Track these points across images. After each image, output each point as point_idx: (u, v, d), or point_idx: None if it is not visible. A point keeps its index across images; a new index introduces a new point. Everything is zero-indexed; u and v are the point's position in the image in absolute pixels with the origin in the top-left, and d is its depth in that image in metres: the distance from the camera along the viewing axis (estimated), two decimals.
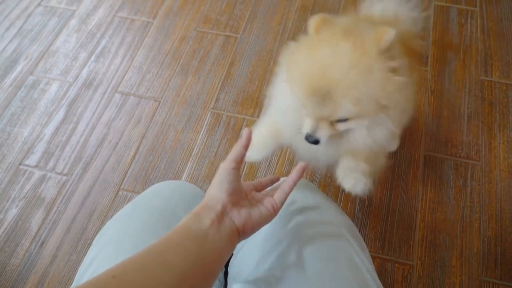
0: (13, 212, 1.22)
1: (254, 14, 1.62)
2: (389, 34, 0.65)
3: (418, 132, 1.29)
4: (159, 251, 0.49)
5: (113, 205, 1.21)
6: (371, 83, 0.66)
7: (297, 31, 1.56)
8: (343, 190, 1.17)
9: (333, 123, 0.73)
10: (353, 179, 0.83)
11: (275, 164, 1.25)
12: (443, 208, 1.15)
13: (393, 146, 1.14)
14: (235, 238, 0.57)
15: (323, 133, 0.74)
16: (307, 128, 0.75)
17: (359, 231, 0.87)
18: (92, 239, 1.14)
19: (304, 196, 0.81)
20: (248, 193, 0.65)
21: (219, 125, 1.34)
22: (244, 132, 0.63)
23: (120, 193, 1.23)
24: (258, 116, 1.35)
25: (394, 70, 0.68)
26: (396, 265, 1.08)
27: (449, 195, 1.17)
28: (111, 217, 1.17)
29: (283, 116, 0.87)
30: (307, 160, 0.87)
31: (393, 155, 1.24)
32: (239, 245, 0.81)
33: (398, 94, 0.70)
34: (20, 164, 1.30)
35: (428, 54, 1.46)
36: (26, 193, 1.25)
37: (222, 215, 0.56)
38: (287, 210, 0.77)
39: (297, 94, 0.74)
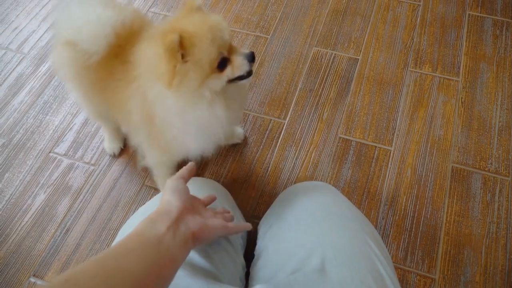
0: (41, 198, 1.25)
1: (286, 16, 1.62)
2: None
3: (446, 143, 1.27)
4: (114, 256, 0.49)
5: (137, 197, 1.23)
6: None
7: (328, 34, 1.55)
8: (367, 197, 1.17)
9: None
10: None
11: (299, 168, 1.25)
12: (469, 222, 1.13)
13: None
14: (190, 243, 0.58)
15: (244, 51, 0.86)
16: (238, 58, 0.85)
17: (381, 240, 0.87)
18: (116, 229, 1.17)
19: (328, 201, 0.81)
20: (200, 206, 0.68)
21: (245, 125, 1.35)
22: (190, 164, 0.72)
23: (145, 186, 1.25)
24: (284, 118, 1.35)
25: None
26: (418, 277, 1.06)
27: (476, 210, 1.15)
28: (135, 209, 1.20)
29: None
30: (211, 138, 0.97)
31: (419, 164, 1.23)
32: (262, 247, 0.82)
33: None
34: (50, 152, 1.34)
35: (460, 64, 1.44)
36: (55, 180, 1.28)
37: (178, 221, 0.57)
38: (310, 215, 0.77)
39: (207, 47, 0.79)
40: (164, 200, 0.61)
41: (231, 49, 0.84)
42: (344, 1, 1.65)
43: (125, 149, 1.32)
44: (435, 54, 1.47)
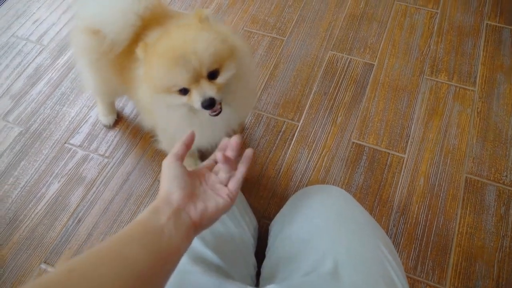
0: (55, 187, 1.27)
1: (302, 18, 1.63)
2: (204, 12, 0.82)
3: (460, 153, 1.26)
4: (117, 246, 0.49)
5: (149, 192, 1.24)
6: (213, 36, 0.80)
7: (344, 38, 1.56)
8: (378, 204, 1.17)
9: (212, 82, 0.80)
10: None
11: (311, 171, 1.26)
12: (482, 235, 1.12)
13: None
14: (192, 232, 0.57)
15: (211, 90, 0.79)
16: (195, 96, 0.80)
17: (393, 246, 0.87)
18: (127, 222, 1.19)
19: (340, 205, 0.82)
20: (202, 178, 0.64)
21: (259, 125, 1.36)
22: (189, 133, 0.66)
23: (157, 181, 1.26)
24: (298, 121, 1.36)
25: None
26: None
27: (489, 222, 1.14)
28: (148, 202, 1.21)
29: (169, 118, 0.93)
30: (207, 137, 0.97)
31: (432, 173, 1.23)
32: (273, 247, 0.83)
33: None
34: (65, 142, 1.36)
35: (477, 74, 1.43)
36: (69, 170, 1.30)
37: (178, 210, 0.56)
38: (323, 219, 0.78)
39: (164, 74, 0.79)
40: (163, 187, 0.59)
41: (198, 77, 0.79)
42: (361, 6, 1.65)
43: (139, 144, 1.34)
44: (451, 63, 1.47)
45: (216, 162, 0.68)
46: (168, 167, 0.60)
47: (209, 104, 0.79)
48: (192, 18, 0.82)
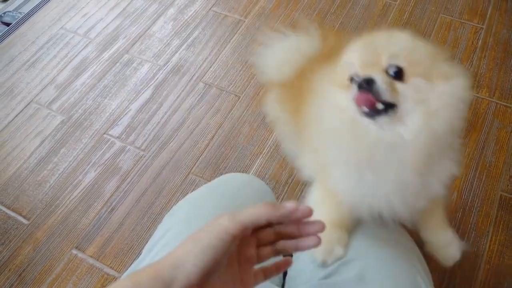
0: (91, 175, 1.31)
1: (344, 26, 1.63)
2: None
3: (497, 170, 1.23)
4: None
5: (181, 186, 1.27)
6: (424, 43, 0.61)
7: None
8: None
9: (391, 81, 0.58)
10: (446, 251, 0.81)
11: None
12: None
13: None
14: None
15: (378, 76, 0.57)
16: (343, 95, 0.60)
17: (423, 258, 0.85)
18: (159, 214, 1.21)
19: None
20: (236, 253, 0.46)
21: None
22: (291, 205, 0.44)
23: (189, 176, 1.29)
24: None
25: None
26: None
27: None
28: (178, 198, 1.24)
29: (335, 137, 0.64)
30: (375, 213, 0.67)
31: (466, 189, 1.20)
32: (296, 255, 0.81)
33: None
34: (104, 133, 1.40)
35: None
36: (106, 160, 1.34)
37: None
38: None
39: (355, 51, 0.62)
40: (177, 253, 0.42)
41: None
42: (405, 16, 1.63)
43: (171, 143, 1.37)
44: (493, 79, 1.44)
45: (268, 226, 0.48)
46: (221, 232, 0.41)
47: (366, 82, 0.56)
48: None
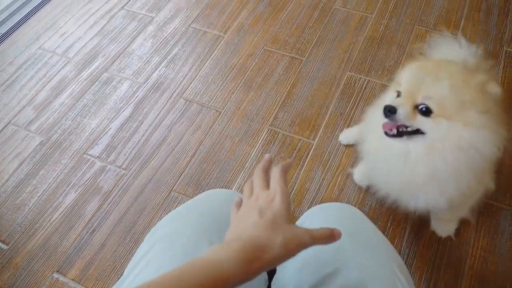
0: (71, 196, 1.29)
1: (322, 40, 1.65)
2: (495, 89, 0.77)
3: None
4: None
5: (163, 204, 1.25)
6: (467, 87, 0.76)
7: (363, 60, 1.57)
8: (391, 224, 1.16)
9: (415, 112, 0.78)
10: (443, 227, 1.12)
11: (324, 189, 1.25)
12: (495, 259, 1.10)
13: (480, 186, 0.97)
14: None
15: (403, 107, 0.78)
16: (389, 100, 0.80)
17: (406, 267, 0.86)
18: (141, 233, 1.20)
19: (354, 224, 0.81)
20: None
21: (274, 142, 1.37)
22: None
23: (172, 194, 1.27)
24: (313, 139, 1.36)
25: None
26: None
27: (503, 247, 1.12)
28: (161, 216, 1.22)
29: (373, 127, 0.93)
30: (380, 184, 0.98)
31: None
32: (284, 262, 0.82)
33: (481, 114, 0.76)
34: (84, 153, 1.39)
35: None
36: (86, 181, 1.32)
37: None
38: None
39: (406, 74, 0.81)
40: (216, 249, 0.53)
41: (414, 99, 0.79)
42: (381, 29, 1.66)
43: (152, 161, 1.36)
44: None
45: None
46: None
47: (389, 111, 0.78)
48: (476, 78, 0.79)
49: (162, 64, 1.61)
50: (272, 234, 0.54)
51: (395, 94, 0.82)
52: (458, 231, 1.15)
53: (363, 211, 1.18)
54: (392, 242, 1.12)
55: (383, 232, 1.12)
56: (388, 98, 0.84)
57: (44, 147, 1.41)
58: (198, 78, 1.56)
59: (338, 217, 0.83)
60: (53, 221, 1.25)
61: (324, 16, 1.73)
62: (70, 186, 1.32)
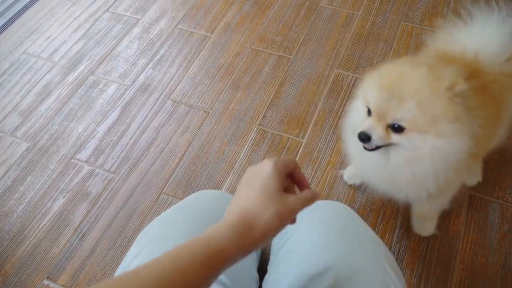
0: (60, 202, 1.28)
1: (309, 38, 1.65)
2: (460, 87, 0.75)
3: None
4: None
5: (153, 207, 1.24)
6: (435, 99, 0.75)
7: (350, 57, 1.57)
8: (382, 220, 1.16)
9: (388, 130, 0.80)
10: (424, 225, 1.13)
11: (314, 187, 1.25)
12: (485, 252, 1.11)
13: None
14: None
15: (376, 132, 0.80)
16: (363, 126, 0.82)
17: (396, 264, 0.86)
18: (131, 237, 1.18)
19: (344, 221, 0.81)
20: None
21: (263, 141, 1.36)
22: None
23: (161, 196, 1.26)
24: (302, 137, 1.36)
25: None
26: None
27: (492, 239, 1.13)
28: (151, 218, 1.21)
29: (351, 133, 0.94)
30: (369, 182, 1.01)
31: None
32: (275, 262, 0.82)
33: (454, 124, 0.76)
34: (71, 158, 1.37)
35: None
36: (74, 185, 1.31)
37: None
38: (325, 234, 0.77)
39: (371, 91, 0.81)
40: (249, 204, 0.55)
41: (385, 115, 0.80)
42: (367, 26, 1.67)
43: (141, 164, 1.35)
44: None
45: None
46: (275, 171, 0.57)
47: (363, 138, 0.81)
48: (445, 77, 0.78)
49: (149, 66, 1.60)
50: (263, 204, 0.54)
51: (366, 109, 0.83)
52: (447, 226, 1.16)
53: (353, 208, 1.19)
54: (382, 238, 1.13)
55: (374, 228, 1.13)
56: (360, 117, 0.86)
57: (31, 153, 1.39)
58: (186, 79, 1.55)
59: (328, 215, 0.83)
60: (42, 227, 1.23)
61: (310, 14, 1.73)
62: (58, 191, 1.30)
